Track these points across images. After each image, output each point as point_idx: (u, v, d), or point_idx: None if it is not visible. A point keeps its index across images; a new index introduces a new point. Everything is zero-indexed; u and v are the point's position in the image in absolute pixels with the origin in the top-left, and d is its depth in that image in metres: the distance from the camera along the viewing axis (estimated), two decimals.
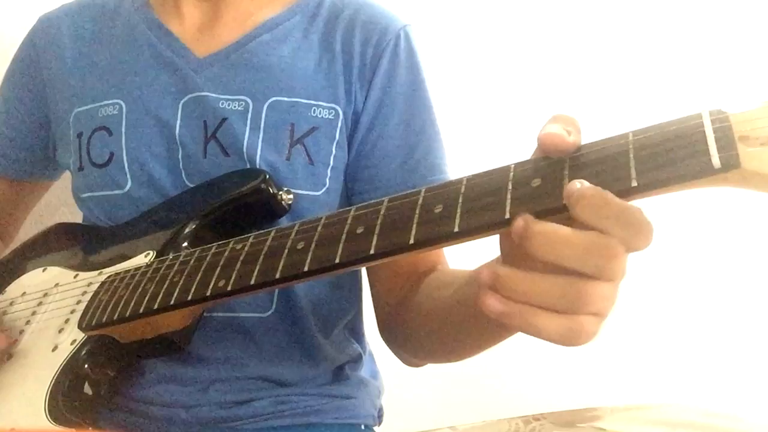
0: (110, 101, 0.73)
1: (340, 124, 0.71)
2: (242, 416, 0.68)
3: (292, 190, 0.67)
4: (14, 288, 0.74)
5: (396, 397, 0.83)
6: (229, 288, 0.53)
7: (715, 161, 0.36)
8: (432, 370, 0.75)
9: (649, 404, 0.62)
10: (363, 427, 0.74)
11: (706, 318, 1.17)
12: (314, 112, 0.70)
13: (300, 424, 0.70)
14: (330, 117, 0.70)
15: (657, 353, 1.16)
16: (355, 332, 0.79)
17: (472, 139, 1.11)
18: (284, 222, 0.67)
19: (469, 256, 0.53)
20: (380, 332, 0.74)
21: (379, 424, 0.78)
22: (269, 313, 0.69)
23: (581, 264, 0.38)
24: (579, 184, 0.38)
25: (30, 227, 0.91)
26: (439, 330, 0.63)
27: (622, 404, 0.62)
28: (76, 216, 0.81)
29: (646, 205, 0.39)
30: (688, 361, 1.16)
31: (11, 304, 0.71)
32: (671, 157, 0.37)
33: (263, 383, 0.70)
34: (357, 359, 0.77)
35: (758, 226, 1.12)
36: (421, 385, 1.01)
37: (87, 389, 0.60)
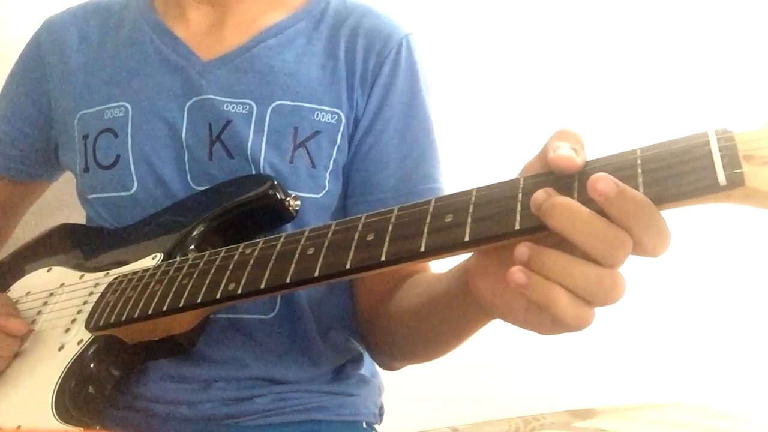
0: (116, 104, 0.73)
1: (342, 129, 0.72)
2: (244, 413, 0.69)
3: (294, 193, 0.68)
4: (18, 287, 0.74)
5: (396, 396, 0.84)
6: (239, 291, 0.53)
7: (721, 179, 0.37)
8: (432, 370, 0.76)
9: (650, 404, 0.63)
10: (364, 424, 0.75)
11: (707, 318, 1.18)
12: (317, 116, 0.71)
13: (301, 421, 0.70)
14: (332, 121, 0.71)
15: (658, 353, 1.17)
16: (355, 333, 0.80)
17: (474, 148, 1.12)
18: (288, 226, 0.68)
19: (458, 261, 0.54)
20: (361, 336, 0.76)
21: (380, 422, 0.79)
22: (272, 314, 0.70)
23: (593, 245, 0.39)
24: (612, 180, 0.39)
25: (30, 227, 0.91)
26: (413, 324, 0.64)
27: (622, 404, 0.64)
28: (76, 217, 0.81)
29: None
30: (688, 361, 1.17)
31: (16, 303, 0.72)
32: (678, 173, 0.39)
33: (265, 382, 0.70)
34: (358, 358, 0.78)
35: (759, 229, 1.14)
36: (421, 385, 1.02)
37: (93, 388, 0.61)
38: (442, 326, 0.59)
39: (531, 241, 0.42)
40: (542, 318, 0.44)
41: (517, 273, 0.41)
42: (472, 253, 0.50)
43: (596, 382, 1.16)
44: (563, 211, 0.39)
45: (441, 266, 0.60)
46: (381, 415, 0.80)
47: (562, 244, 0.41)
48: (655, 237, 0.39)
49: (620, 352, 1.14)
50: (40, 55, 0.80)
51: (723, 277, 1.18)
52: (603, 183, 0.39)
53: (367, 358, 0.80)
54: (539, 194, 0.41)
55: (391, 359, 0.74)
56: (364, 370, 0.78)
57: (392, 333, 0.69)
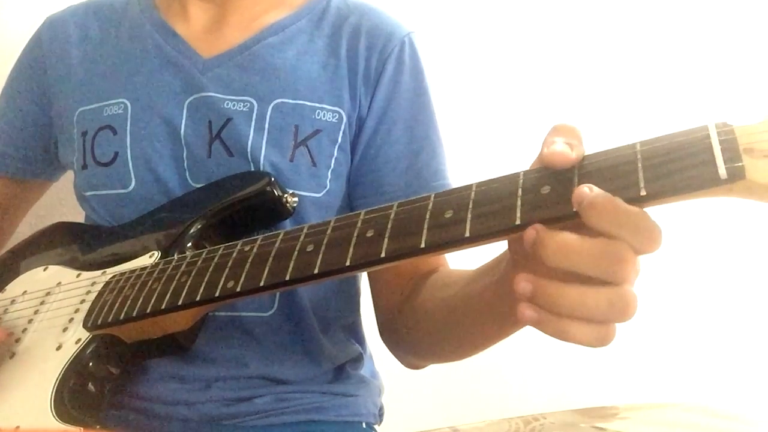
0: (115, 100, 0.73)
1: (343, 128, 0.72)
2: (244, 413, 0.69)
3: (295, 192, 0.68)
4: (14, 287, 0.74)
5: (396, 397, 0.84)
6: (238, 289, 0.53)
7: (722, 172, 0.37)
8: (432, 370, 0.75)
9: (650, 404, 0.63)
10: (364, 425, 0.75)
11: (707, 317, 1.18)
12: (318, 115, 0.71)
13: (301, 422, 0.70)
14: (334, 120, 0.71)
15: (658, 353, 1.17)
16: (355, 332, 0.80)
17: (475, 145, 1.12)
18: (287, 224, 0.68)
19: (469, 256, 0.54)
20: (381, 335, 0.75)
21: (380, 422, 0.79)
22: (271, 312, 0.70)
23: (595, 270, 0.39)
24: (588, 189, 0.39)
25: (30, 227, 0.91)
26: (444, 328, 0.64)
27: (622, 404, 0.64)
28: (76, 215, 0.81)
29: (654, 210, 0.40)
30: (688, 361, 1.17)
31: (12, 302, 0.71)
32: (678, 167, 0.38)
33: (265, 382, 0.70)
34: (358, 359, 0.78)
35: (759, 228, 1.14)
36: (421, 385, 1.02)
37: (92, 388, 0.61)
38: (479, 329, 0.59)
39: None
40: None
41: (526, 311, 0.41)
42: (501, 256, 0.50)
43: (596, 382, 1.15)
44: (556, 248, 0.39)
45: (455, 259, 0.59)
46: (381, 415, 0.80)
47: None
48: (635, 234, 0.38)
49: (620, 353, 1.13)
50: (41, 54, 0.80)
51: (723, 277, 1.18)
52: (575, 194, 0.39)
53: (367, 358, 0.80)
54: (529, 233, 0.40)
55: (415, 358, 0.73)
56: (364, 371, 0.78)
57: (419, 332, 0.68)
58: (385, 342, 0.75)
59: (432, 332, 0.66)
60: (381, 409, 0.80)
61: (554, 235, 0.40)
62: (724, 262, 1.18)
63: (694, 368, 1.17)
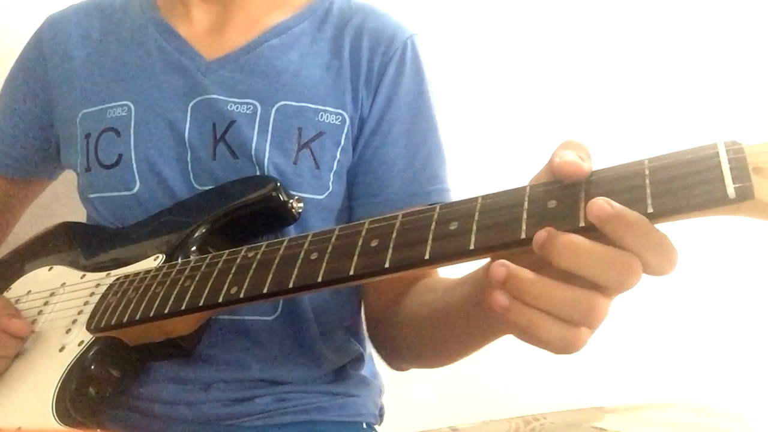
0: (119, 103, 0.73)
1: (346, 130, 0.71)
2: (244, 413, 0.69)
3: (298, 194, 0.68)
4: (19, 286, 0.74)
5: (396, 397, 0.84)
6: (241, 295, 0.53)
7: (730, 191, 0.37)
8: (432, 370, 0.76)
9: (650, 404, 0.63)
10: (364, 425, 0.75)
11: (707, 318, 1.18)
12: (321, 117, 0.71)
13: (302, 422, 0.70)
14: (337, 122, 0.71)
15: (658, 353, 1.17)
16: (356, 334, 0.80)
17: (478, 149, 1.11)
18: (290, 228, 0.68)
19: (465, 266, 0.54)
20: (369, 336, 0.76)
21: (380, 422, 0.79)
22: (274, 317, 0.70)
23: (600, 276, 0.39)
24: (606, 203, 0.39)
25: (30, 227, 0.90)
26: (425, 333, 0.64)
27: (622, 404, 0.64)
28: (76, 215, 0.80)
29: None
30: (688, 361, 1.18)
31: (17, 302, 0.71)
32: (686, 185, 0.38)
33: (265, 383, 0.70)
34: (358, 359, 0.78)
35: (759, 228, 1.14)
36: (422, 385, 1.02)
37: (94, 390, 0.61)
38: (456, 337, 0.59)
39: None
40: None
41: (500, 296, 0.41)
42: (484, 266, 0.50)
43: (596, 382, 1.16)
44: (566, 248, 0.39)
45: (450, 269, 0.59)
46: (381, 415, 0.80)
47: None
48: (658, 255, 0.38)
49: (620, 352, 1.14)
50: (42, 53, 0.79)
51: (723, 278, 1.18)
52: (595, 206, 0.39)
53: (367, 358, 0.80)
54: (540, 234, 0.40)
55: (400, 361, 0.74)
56: (365, 371, 0.78)
57: (402, 337, 0.68)
58: (372, 344, 0.76)
59: (414, 336, 0.66)
60: (381, 409, 0.80)
61: (566, 235, 0.40)
62: (723, 262, 1.18)
63: (693, 368, 1.17)
